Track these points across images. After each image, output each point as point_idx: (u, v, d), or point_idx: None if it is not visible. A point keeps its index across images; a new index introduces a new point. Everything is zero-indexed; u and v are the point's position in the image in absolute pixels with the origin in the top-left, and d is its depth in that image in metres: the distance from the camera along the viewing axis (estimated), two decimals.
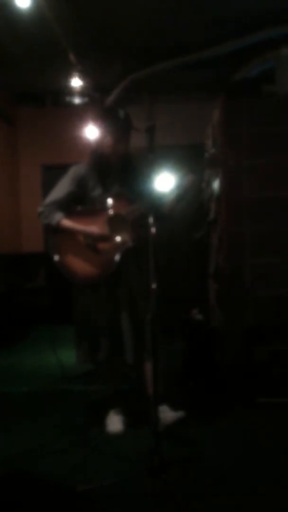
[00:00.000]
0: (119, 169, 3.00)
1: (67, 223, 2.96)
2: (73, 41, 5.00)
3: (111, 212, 2.92)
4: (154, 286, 2.50)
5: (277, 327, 3.72)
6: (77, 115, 6.61)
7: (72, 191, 3.02)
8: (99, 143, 3.04)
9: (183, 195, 2.94)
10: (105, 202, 2.94)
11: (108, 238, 2.91)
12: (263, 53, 5.06)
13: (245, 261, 3.96)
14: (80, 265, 2.97)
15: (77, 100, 6.47)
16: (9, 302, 6.22)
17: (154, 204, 2.84)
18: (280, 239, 3.94)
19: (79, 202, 3.03)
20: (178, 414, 3.04)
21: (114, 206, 2.91)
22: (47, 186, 7.30)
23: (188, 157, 3.05)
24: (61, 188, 3.05)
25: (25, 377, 4.44)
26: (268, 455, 2.75)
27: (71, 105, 6.70)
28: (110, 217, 2.93)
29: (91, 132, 6.32)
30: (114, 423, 3.06)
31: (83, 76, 5.56)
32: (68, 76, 5.56)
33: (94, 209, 2.97)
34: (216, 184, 2.71)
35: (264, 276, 3.93)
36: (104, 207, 2.94)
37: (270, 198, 3.94)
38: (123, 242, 2.85)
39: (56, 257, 3.00)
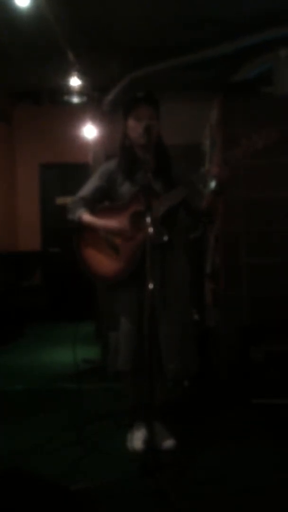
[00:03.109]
0: (151, 162, 2.76)
1: (87, 218, 2.85)
2: (72, 40, 5.00)
3: (135, 207, 2.74)
4: (151, 286, 2.41)
5: (273, 327, 3.73)
6: (75, 114, 6.61)
7: (100, 186, 2.91)
8: (127, 134, 2.84)
9: (221, 187, 2.70)
10: (132, 197, 2.79)
11: (128, 233, 2.77)
12: (262, 54, 5.07)
13: (241, 261, 3.97)
14: (101, 263, 2.84)
15: (75, 99, 6.47)
16: (5, 301, 6.22)
17: (189, 199, 2.73)
18: (276, 239, 3.95)
19: (109, 198, 2.92)
20: (170, 443, 2.79)
21: (140, 201, 2.70)
22: (45, 185, 7.42)
23: (186, 157, 3.05)
24: (89, 184, 2.96)
25: (22, 375, 4.44)
26: (264, 456, 2.75)
27: (69, 104, 6.70)
28: (133, 213, 2.76)
29: (89, 131, 6.34)
30: (137, 439, 2.81)
31: (81, 75, 5.56)
32: (66, 75, 5.56)
33: (120, 205, 2.83)
34: (213, 184, 2.71)
35: (261, 276, 3.94)
36: (131, 203, 2.78)
37: (266, 198, 3.95)
38: (145, 239, 2.52)
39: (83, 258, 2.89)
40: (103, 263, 2.83)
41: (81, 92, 6.10)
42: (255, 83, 4.94)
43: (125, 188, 2.84)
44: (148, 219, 2.49)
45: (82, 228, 2.89)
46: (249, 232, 3.97)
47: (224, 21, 4.84)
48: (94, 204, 2.92)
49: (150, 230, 2.48)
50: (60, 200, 7.18)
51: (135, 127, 2.78)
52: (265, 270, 3.94)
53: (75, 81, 5.56)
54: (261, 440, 2.95)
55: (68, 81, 5.59)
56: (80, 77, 5.52)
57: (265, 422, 3.19)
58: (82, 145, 6.58)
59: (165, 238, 2.71)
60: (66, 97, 6.53)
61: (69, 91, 6.03)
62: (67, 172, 7.22)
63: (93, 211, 2.89)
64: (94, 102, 6.56)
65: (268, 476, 2.53)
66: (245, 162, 3.91)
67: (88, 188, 2.96)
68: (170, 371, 2.73)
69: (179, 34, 5.12)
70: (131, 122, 2.80)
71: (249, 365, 3.53)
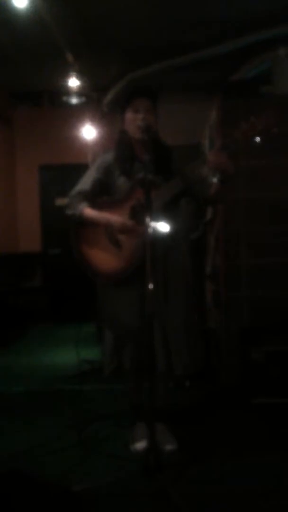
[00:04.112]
0: (146, 155, 2.66)
1: (90, 212, 2.79)
2: (70, 41, 5.00)
3: (135, 199, 2.68)
4: (151, 286, 2.39)
5: (274, 328, 3.73)
6: (75, 115, 6.62)
7: (98, 179, 2.85)
8: (125, 128, 2.82)
9: (222, 175, 2.63)
10: (131, 189, 2.74)
11: (130, 228, 2.68)
12: (261, 54, 5.07)
13: (241, 261, 3.96)
14: (102, 261, 2.78)
15: (74, 100, 6.48)
16: (6, 302, 6.22)
17: (191, 188, 2.69)
18: (276, 239, 3.95)
19: (107, 192, 2.86)
20: (171, 444, 2.79)
21: (138, 193, 2.64)
22: (44, 186, 7.42)
23: (186, 158, 3.04)
24: (87, 178, 2.89)
25: (23, 376, 4.44)
26: (264, 456, 2.74)
27: (69, 105, 6.71)
28: (133, 206, 2.69)
29: (88, 132, 6.35)
30: (139, 440, 2.80)
31: (80, 75, 5.56)
32: (65, 75, 5.57)
33: (119, 198, 2.78)
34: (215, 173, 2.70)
35: (261, 276, 3.94)
36: (130, 195, 2.73)
37: (266, 199, 3.95)
38: (147, 234, 2.45)
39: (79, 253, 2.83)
40: (105, 260, 2.78)
41: (80, 92, 6.11)
42: (254, 83, 4.93)
43: (122, 181, 2.80)
44: (148, 219, 2.46)
45: (82, 224, 2.84)
46: (249, 232, 3.97)
47: (224, 21, 4.84)
48: (93, 198, 2.86)
49: (151, 227, 2.45)
50: (59, 201, 7.18)
51: (132, 120, 2.76)
52: (265, 271, 3.94)
53: (73, 82, 5.57)
54: (262, 440, 2.95)
55: (67, 82, 5.60)
56: (79, 78, 5.53)
57: (265, 422, 3.18)
58: (82, 145, 6.58)
59: (166, 230, 2.68)
60: (65, 98, 6.55)
61: (68, 92, 6.04)
62: (67, 173, 7.21)
63: (92, 205, 2.84)
64: (94, 103, 6.58)
65: (268, 476, 2.53)
66: (245, 163, 3.93)
67: (86, 181, 2.90)
68: (179, 366, 2.71)
69: (178, 34, 5.12)
70: (129, 115, 2.78)
71: (249, 366, 3.53)
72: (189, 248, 2.95)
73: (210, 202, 2.89)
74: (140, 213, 2.64)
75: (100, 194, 2.88)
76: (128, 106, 2.79)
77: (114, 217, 2.75)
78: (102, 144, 6.24)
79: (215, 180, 2.68)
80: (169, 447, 2.76)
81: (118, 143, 2.88)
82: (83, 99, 6.47)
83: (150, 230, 2.44)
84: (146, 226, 2.45)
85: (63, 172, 7.28)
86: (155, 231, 2.50)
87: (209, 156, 2.64)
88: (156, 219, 2.58)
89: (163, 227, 2.64)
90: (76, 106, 6.72)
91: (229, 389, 3.73)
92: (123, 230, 2.72)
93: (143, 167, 2.71)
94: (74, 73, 5.44)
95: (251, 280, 3.95)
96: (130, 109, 2.78)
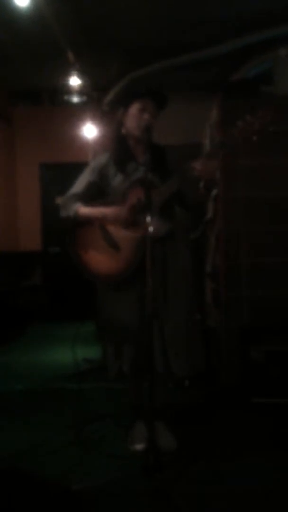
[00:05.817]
0: (146, 155, 2.70)
1: (84, 210, 2.77)
2: (71, 40, 5.00)
3: (133, 200, 2.66)
4: (150, 286, 2.42)
5: (274, 327, 3.73)
6: (75, 114, 6.62)
7: (92, 181, 2.84)
8: (124, 121, 2.82)
9: (204, 182, 2.66)
10: (127, 189, 2.72)
11: (124, 219, 2.68)
12: (261, 54, 5.06)
13: (241, 261, 3.96)
14: (101, 263, 2.77)
15: (75, 99, 6.49)
16: (6, 301, 6.22)
17: (182, 190, 2.68)
18: (277, 239, 3.95)
19: (102, 194, 2.84)
20: (171, 443, 2.78)
21: (135, 193, 2.65)
22: (45, 185, 7.41)
23: (186, 157, 3.04)
24: (81, 180, 2.88)
25: (22, 375, 4.44)
26: (264, 456, 2.75)
27: (69, 104, 6.71)
28: (131, 206, 2.66)
29: (89, 130, 6.35)
30: (138, 439, 2.79)
31: (81, 74, 5.57)
32: (66, 74, 5.57)
33: (115, 200, 2.74)
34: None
35: (261, 276, 3.94)
36: (127, 196, 2.70)
37: (267, 198, 3.95)
38: (146, 234, 2.46)
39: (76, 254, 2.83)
40: (103, 262, 2.77)
41: (81, 91, 6.11)
42: (255, 82, 4.93)
43: (118, 181, 2.79)
44: (148, 218, 2.46)
45: (78, 226, 2.83)
46: (249, 232, 3.97)
47: (224, 21, 4.84)
48: (87, 200, 2.83)
49: (150, 228, 2.44)
50: (59, 200, 7.16)
51: (136, 117, 2.75)
52: (265, 270, 3.94)
53: (74, 81, 5.57)
54: (262, 440, 2.95)
55: (68, 81, 5.60)
56: (79, 77, 5.54)
57: (265, 422, 3.18)
58: (82, 144, 6.59)
59: (165, 230, 2.69)
60: (66, 97, 6.55)
61: (69, 91, 6.05)
62: (67, 171, 7.19)
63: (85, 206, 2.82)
64: (94, 102, 6.58)
65: (268, 476, 2.53)
66: (245, 162, 3.93)
67: (80, 184, 2.89)
68: (179, 367, 2.71)
69: (179, 34, 5.11)
70: (134, 110, 2.76)
71: (249, 366, 3.53)
72: (189, 247, 2.93)
73: (194, 205, 2.89)
74: (139, 213, 2.63)
75: (95, 197, 2.85)
76: (136, 102, 2.77)
77: (108, 209, 2.73)
78: (102, 143, 6.24)
79: (201, 184, 2.70)
80: (168, 446, 2.76)
81: (116, 141, 2.88)
82: (84, 98, 6.48)
83: (150, 230, 2.44)
84: (146, 226, 2.45)
85: (63, 171, 7.25)
86: (153, 232, 2.50)
87: (196, 164, 2.62)
88: (155, 218, 2.58)
89: (158, 228, 2.62)
90: (76, 105, 6.72)
91: (229, 389, 3.74)
92: (118, 221, 2.71)
93: (138, 167, 2.72)
94: (75, 72, 5.44)
95: (251, 280, 3.95)
96: (137, 105, 2.76)
